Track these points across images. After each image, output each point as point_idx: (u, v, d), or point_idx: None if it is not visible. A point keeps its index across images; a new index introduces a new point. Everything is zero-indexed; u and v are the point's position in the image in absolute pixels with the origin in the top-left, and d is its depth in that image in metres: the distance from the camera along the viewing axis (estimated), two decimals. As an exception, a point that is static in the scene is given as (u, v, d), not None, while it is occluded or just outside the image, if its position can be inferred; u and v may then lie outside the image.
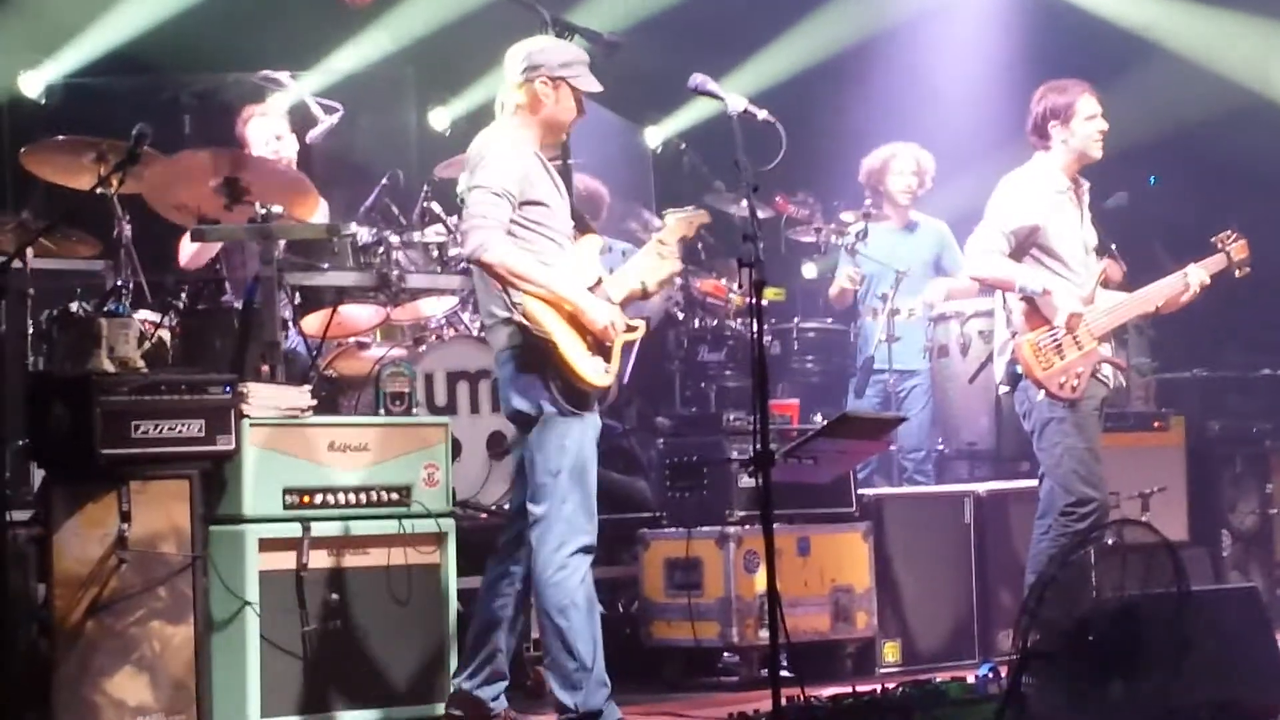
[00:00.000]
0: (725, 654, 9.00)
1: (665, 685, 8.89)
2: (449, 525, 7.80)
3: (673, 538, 8.97)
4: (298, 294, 8.53)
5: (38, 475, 7.81)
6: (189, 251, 9.05)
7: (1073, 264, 8.46)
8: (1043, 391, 8.29)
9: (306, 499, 7.50)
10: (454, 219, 9.32)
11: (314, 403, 7.74)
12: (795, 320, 10.51)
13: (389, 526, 7.62)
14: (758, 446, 6.77)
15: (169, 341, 8.09)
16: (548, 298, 7.06)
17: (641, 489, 9.74)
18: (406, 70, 11.94)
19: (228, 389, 7.33)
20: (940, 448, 10.84)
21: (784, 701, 6.88)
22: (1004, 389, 8.64)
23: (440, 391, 8.89)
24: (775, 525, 6.93)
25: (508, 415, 7.28)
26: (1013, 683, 6.91)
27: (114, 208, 8.25)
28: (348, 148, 10.42)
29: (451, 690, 7.47)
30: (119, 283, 8.10)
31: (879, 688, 7.57)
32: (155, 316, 8.16)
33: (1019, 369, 8.37)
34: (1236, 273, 8.87)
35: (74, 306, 8.03)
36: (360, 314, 8.86)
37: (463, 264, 9.05)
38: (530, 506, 7.16)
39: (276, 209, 8.19)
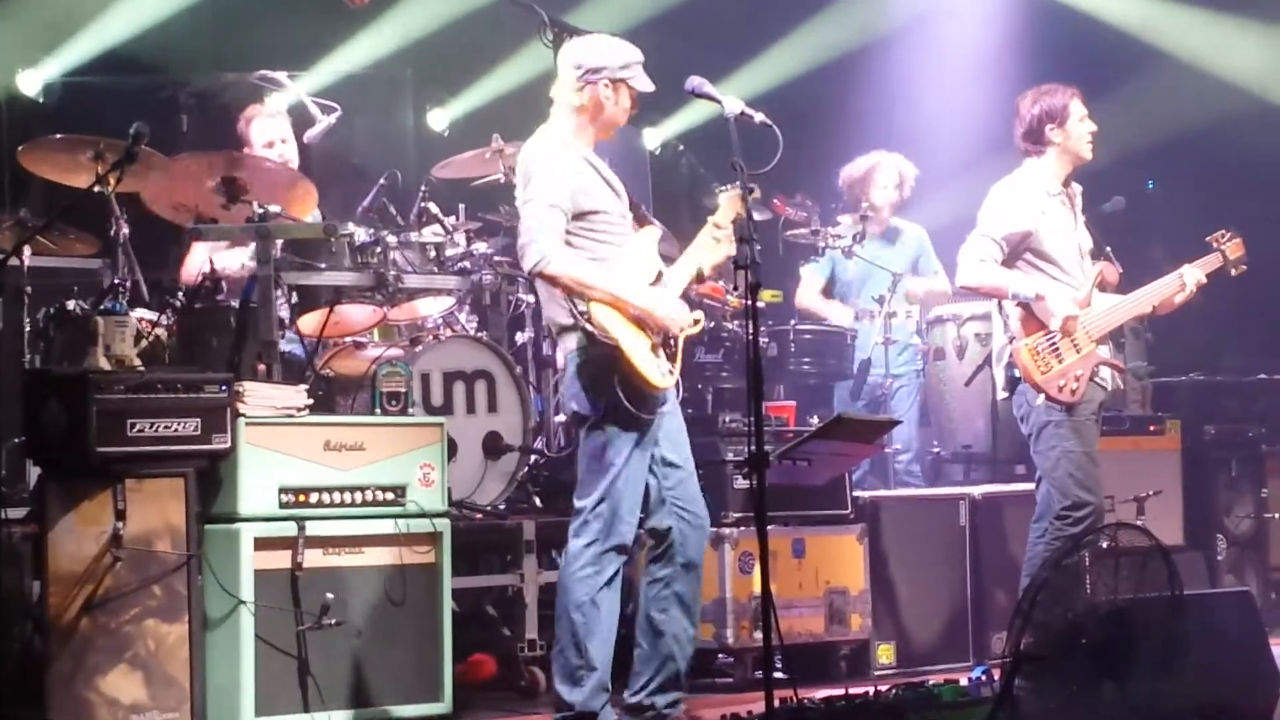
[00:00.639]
0: (720, 655, 9.00)
1: (659, 686, 8.87)
2: (444, 525, 7.80)
3: (668, 539, 8.97)
4: (295, 293, 8.53)
5: (33, 473, 7.81)
6: (194, 265, 9.05)
7: (1067, 267, 8.47)
8: (1042, 395, 8.30)
9: (302, 498, 7.50)
10: (451, 219, 9.34)
11: (310, 402, 7.74)
12: (792, 322, 10.50)
13: (384, 526, 7.63)
14: (753, 448, 6.78)
15: (165, 340, 8.08)
16: (613, 303, 7.12)
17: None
18: (404, 71, 11.95)
19: (224, 388, 7.33)
20: (936, 449, 10.85)
21: (777, 703, 6.89)
22: (1003, 394, 8.65)
23: (436, 391, 8.88)
24: (770, 527, 6.97)
25: (568, 416, 7.31)
26: (1006, 685, 6.92)
27: (111, 206, 8.25)
28: (345, 148, 10.44)
29: (623, 704, 7.46)
30: (116, 281, 8.09)
31: (872, 690, 7.59)
32: (152, 315, 8.15)
33: (1017, 373, 8.38)
34: (1232, 271, 8.88)
35: (71, 304, 8.04)
36: (357, 314, 8.86)
37: (459, 264, 9.07)
38: (575, 499, 7.26)
39: (274, 208, 8.20)
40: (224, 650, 7.31)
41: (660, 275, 7.41)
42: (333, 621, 7.41)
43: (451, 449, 8.22)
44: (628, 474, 7.23)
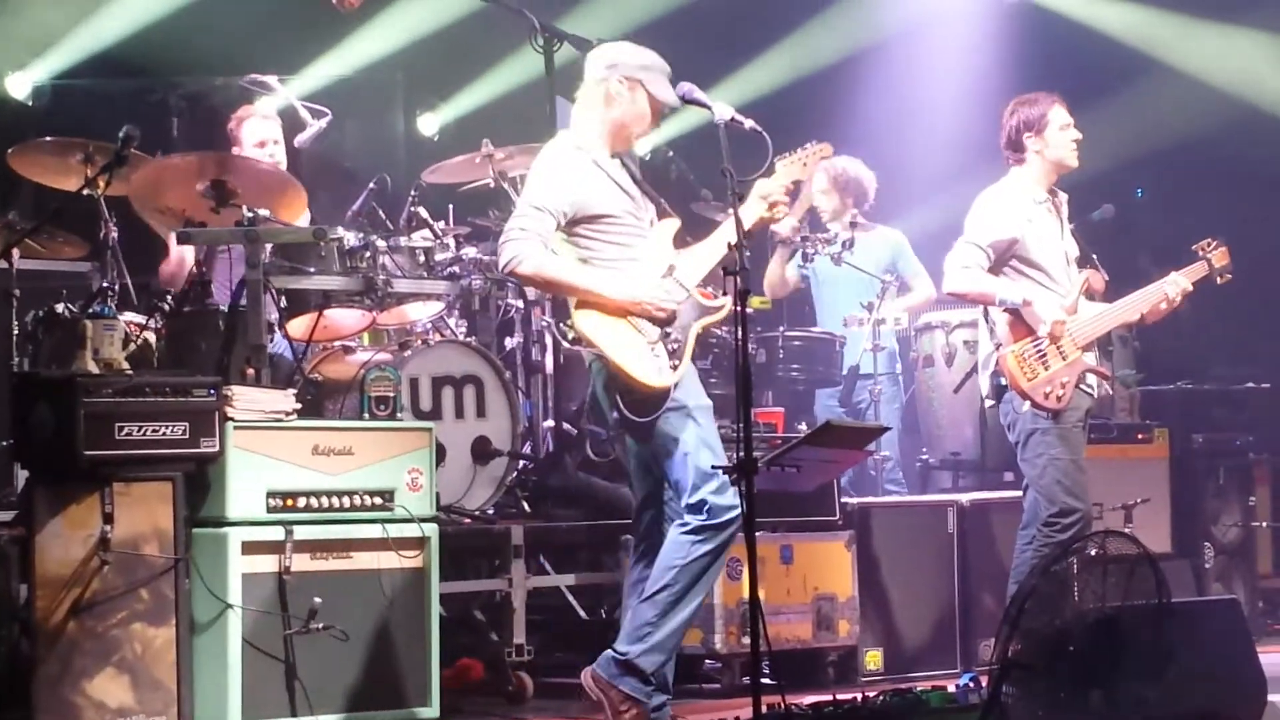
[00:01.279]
0: (707, 661, 8.98)
1: (647, 692, 8.88)
2: (432, 530, 7.79)
3: (656, 545, 8.97)
4: (283, 297, 8.52)
5: (21, 476, 7.80)
6: (170, 266, 9.05)
7: (1054, 274, 8.49)
8: (1028, 402, 8.31)
9: (290, 502, 7.49)
10: (441, 224, 9.34)
11: (299, 406, 7.73)
12: (781, 329, 10.51)
13: (372, 530, 7.61)
14: (741, 454, 6.78)
15: (154, 343, 8.08)
16: (594, 302, 7.10)
17: (625, 495, 9.71)
18: (395, 75, 11.96)
19: (212, 391, 7.32)
20: (924, 456, 10.85)
21: (765, 709, 6.89)
22: (989, 402, 8.66)
23: (425, 396, 8.88)
24: (758, 533, 6.96)
25: (610, 426, 7.55)
26: (993, 692, 6.92)
27: (101, 209, 8.25)
28: (335, 152, 10.44)
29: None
30: (105, 284, 8.10)
31: (860, 696, 7.57)
32: (140, 318, 8.15)
33: (1003, 381, 8.39)
34: (1218, 280, 8.89)
35: (59, 307, 8.04)
36: (346, 318, 8.85)
37: (448, 269, 9.07)
38: (680, 502, 7.27)
39: (263, 212, 8.19)
40: (211, 654, 7.29)
41: (672, 268, 7.38)
42: (320, 626, 7.39)
43: (440, 454, 8.22)
44: (697, 449, 7.23)
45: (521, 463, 9.35)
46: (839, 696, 7.54)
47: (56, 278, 9.12)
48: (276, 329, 8.48)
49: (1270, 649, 9.13)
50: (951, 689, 7.75)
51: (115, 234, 8.30)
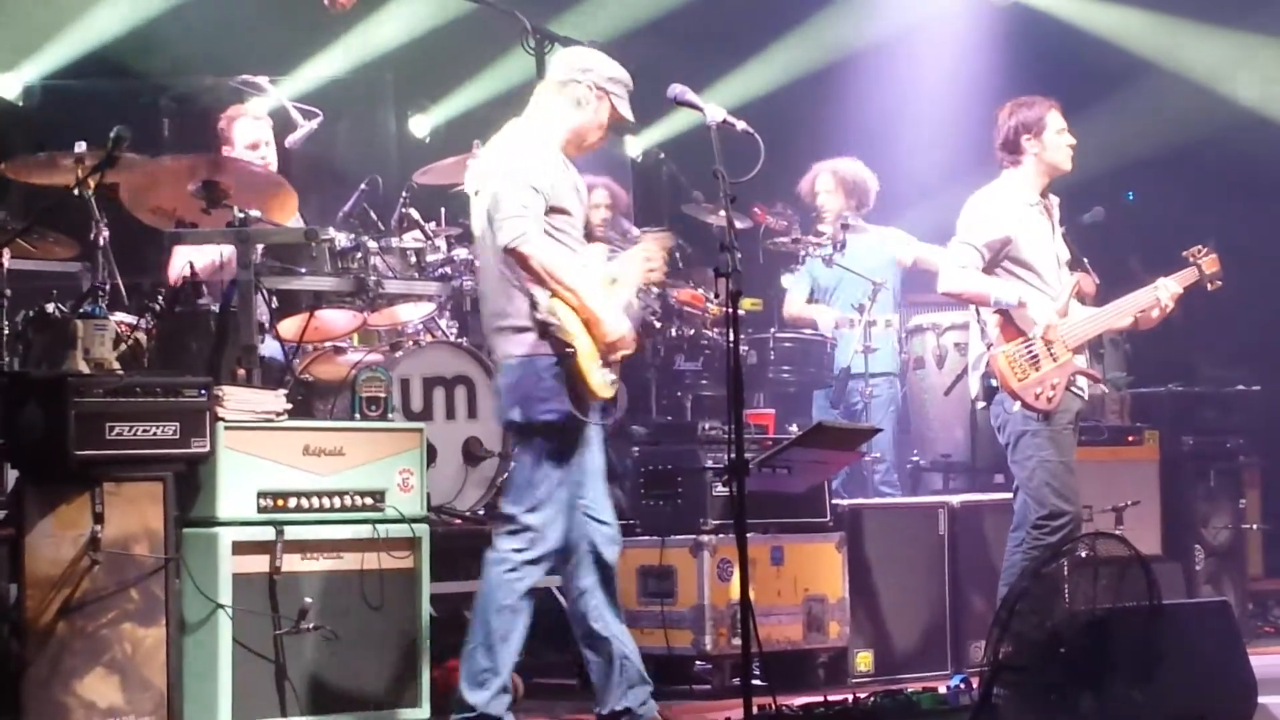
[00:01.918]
0: (698, 662, 9.00)
1: (637, 693, 8.88)
2: (423, 530, 7.79)
3: (647, 545, 8.98)
4: (275, 298, 8.52)
5: (11, 476, 7.79)
6: (178, 267, 9.03)
7: (1046, 276, 8.49)
8: (1018, 403, 8.32)
9: (280, 502, 7.49)
10: (432, 225, 9.34)
11: (289, 406, 7.72)
12: (772, 330, 10.52)
13: (363, 531, 7.61)
14: (733, 455, 6.78)
15: (145, 344, 8.07)
16: (574, 303, 7.06)
17: (616, 496, 9.72)
18: (386, 76, 11.95)
19: (203, 392, 7.31)
20: (915, 458, 10.86)
21: (756, 710, 6.90)
22: (980, 403, 8.66)
23: (416, 397, 8.88)
24: (749, 534, 6.95)
25: (504, 422, 7.29)
26: (984, 694, 6.93)
27: (91, 209, 8.23)
28: (327, 153, 10.43)
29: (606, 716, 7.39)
30: (96, 284, 8.08)
31: (851, 697, 7.58)
32: (131, 319, 8.13)
33: (994, 382, 8.40)
34: (1208, 286, 8.90)
35: (50, 308, 8.02)
36: (337, 319, 8.85)
37: (439, 270, 9.06)
38: (503, 504, 7.19)
39: (255, 213, 8.18)
40: (201, 654, 7.28)
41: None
42: (310, 626, 7.39)
43: (431, 454, 8.21)
44: (563, 482, 7.17)
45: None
46: (830, 698, 7.56)
47: (47, 278, 9.09)
48: (267, 329, 8.47)
49: (1260, 651, 9.15)
50: (942, 690, 7.77)
51: (106, 234, 8.28)
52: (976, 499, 9.93)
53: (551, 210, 7.11)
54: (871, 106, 12.79)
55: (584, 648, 7.41)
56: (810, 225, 11.09)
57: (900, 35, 12.99)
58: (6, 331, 8.35)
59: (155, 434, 7.18)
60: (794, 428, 9.62)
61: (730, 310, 6.84)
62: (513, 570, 7.12)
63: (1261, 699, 7.48)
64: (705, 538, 8.81)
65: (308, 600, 7.44)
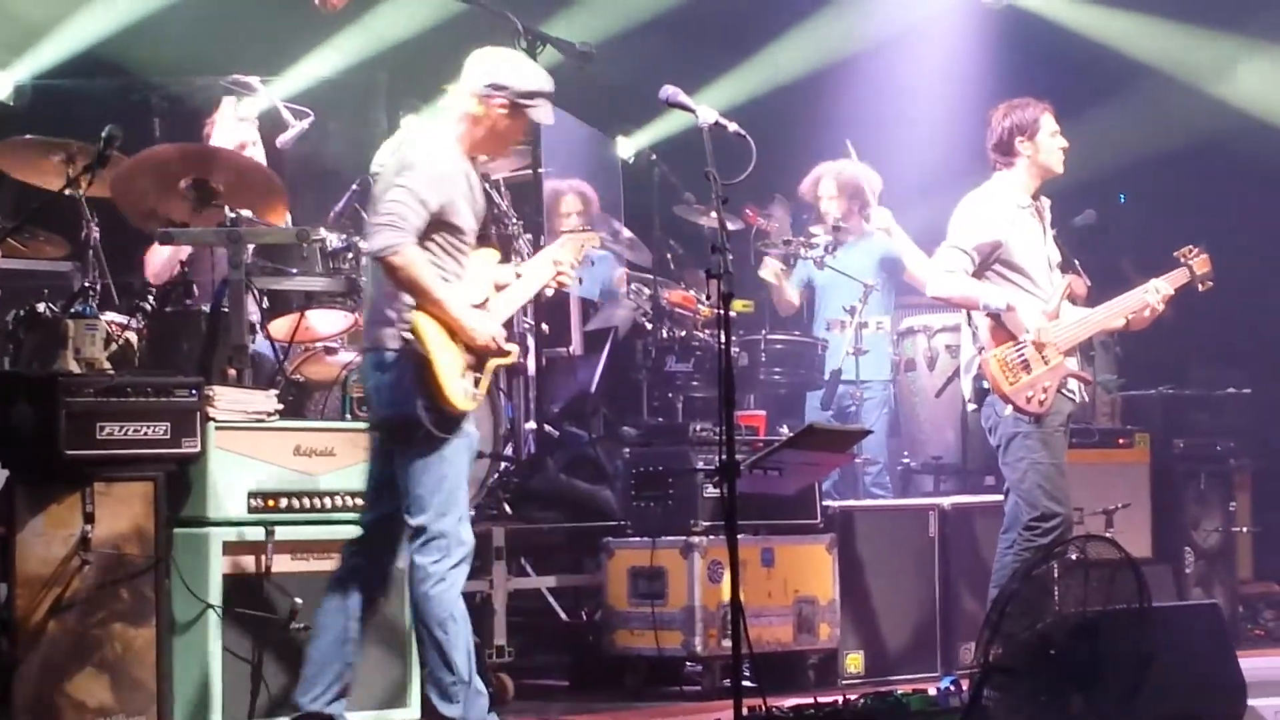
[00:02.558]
0: (688, 663, 9.00)
1: (627, 694, 8.89)
2: (413, 531, 7.78)
3: (637, 547, 8.98)
4: (266, 298, 8.51)
5: (1, 475, 7.78)
6: (157, 262, 9.02)
7: (1037, 279, 8.50)
8: (1010, 406, 8.32)
9: (271, 502, 7.49)
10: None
11: (280, 407, 7.73)
12: (763, 332, 10.52)
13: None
14: (723, 457, 6.78)
15: (135, 343, 8.07)
16: (437, 314, 6.97)
17: (606, 498, 9.73)
18: (378, 76, 11.93)
19: (194, 392, 7.32)
20: (906, 460, 10.86)
21: (746, 711, 6.89)
22: (971, 406, 8.66)
23: (407, 398, 8.86)
24: (740, 536, 6.95)
25: (378, 420, 7.14)
26: (974, 696, 6.94)
27: (82, 209, 8.23)
28: (318, 153, 10.40)
29: (302, 713, 7.15)
30: (86, 284, 8.07)
31: (841, 699, 7.58)
32: (122, 318, 8.13)
33: (986, 384, 8.39)
34: (1199, 287, 8.90)
35: (41, 307, 8.00)
36: (328, 319, 8.84)
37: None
38: (409, 519, 7.03)
39: (246, 213, 8.17)
40: (191, 654, 7.29)
41: (486, 301, 7.24)
42: (301, 626, 7.38)
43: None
44: (458, 486, 7.09)
45: (503, 464, 9.34)
46: (820, 699, 7.56)
47: (38, 277, 9.09)
48: (258, 330, 8.47)
49: (1250, 654, 9.16)
50: (932, 692, 7.76)
51: (97, 234, 8.28)
52: (967, 501, 9.93)
53: (445, 227, 7.03)
54: (865, 109, 12.78)
55: (327, 635, 7.14)
56: (802, 227, 11.08)
57: (894, 38, 12.98)
58: (-3, 331, 8.35)
59: (146, 434, 7.18)
60: (784, 429, 9.62)
61: (721, 312, 6.83)
62: (440, 582, 7.01)
63: (1251, 701, 7.50)
64: (696, 539, 8.81)
65: (298, 601, 7.44)
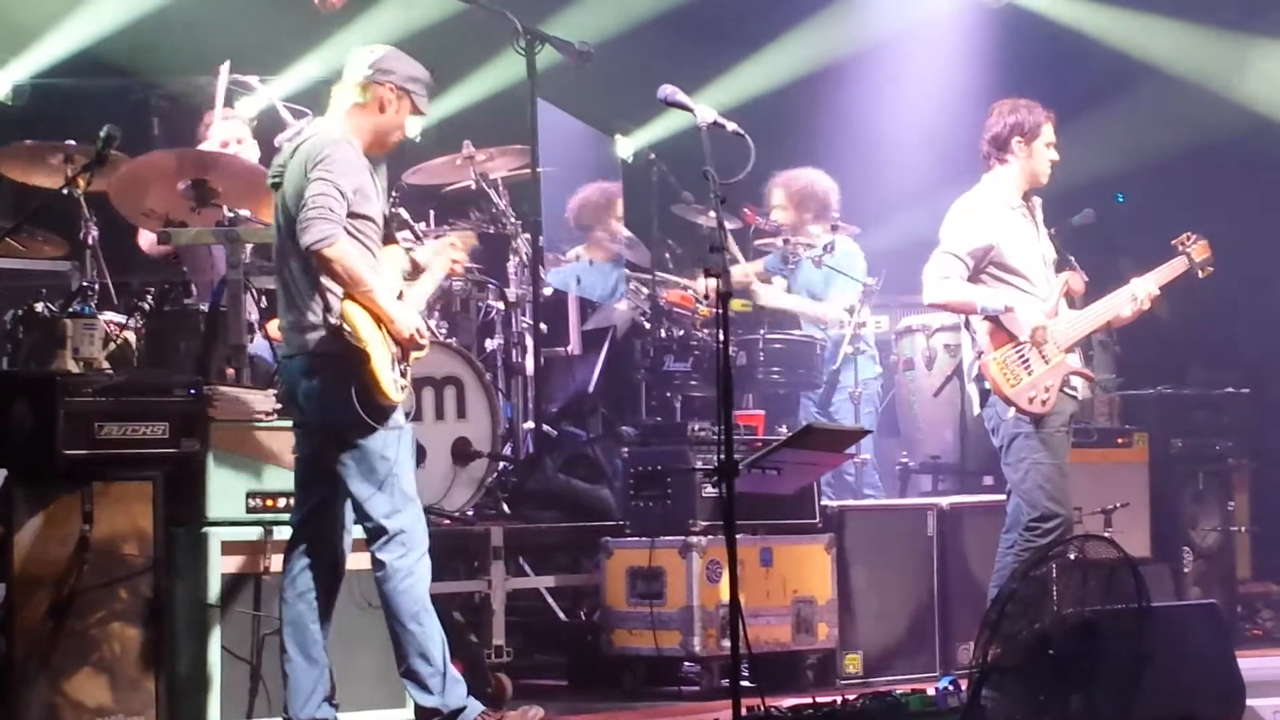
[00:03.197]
0: (686, 663, 8.99)
1: (626, 694, 8.88)
2: (412, 531, 7.77)
3: (636, 546, 8.97)
4: (264, 298, 8.51)
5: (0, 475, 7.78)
6: (150, 236, 9.02)
7: (1033, 278, 8.49)
8: (1012, 409, 8.31)
9: (270, 502, 7.49)
10: (422, 225, 9.33)
11: (279, 406, 7.72)
12: (761, 331, 10.50)
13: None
14: (722, 457, 6.78)
15: (134, 343, 8.07)
16: (368, 305, 6.99)
17: (605, 497, 9.74)
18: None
19: (192, 391, 7.32)
20: (904, 460, 10.84)
21: (744, 711, 6.89)
22: (977, 410, 8.64)
23: (405, 397, 8.87)
24: (738, 535, 6.96)
25: (317, 423, 7.10)
26: (972, 696, 6.94)
27: (81, 209, 8.22)
28: (316, 153, 10.39)
29: None
30: (85, 283, 8.07)
31: (839, 699, 7.58)
32: (120, 318, 8.14)
33: (988, 385, 8.38)
34: (1200, 274, 8.88)
35: (39, 307, 8.01)
36: (326, 318, 8.83)
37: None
38: (365, 522, 7.06)
39: (244, 212, 8.18)
40: (190, 654, 7.29)
41: (401, 294, 7.26)
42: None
43: (420, 455, 8.21)
44: (406, 480, 7.10)
45: (501, 464, 9.34)
46: (818, 699, 7.56)
47: (36, 277, 9.09)
48: (256, 329, 8.47)
49: (1248, 654, 9.13)
50: (931, 692, 7.77)
51: (95, 233, 8.27)
52: (966, 501, 9.93)
53: (354, 215, 7.05)
54: (864, 108, 12.79)
55: (303, 642, 7.15)
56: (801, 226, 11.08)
57: (894, 37, 12.98)
58: (-5, 330, 8.35)
59: (145, 434, 7.18)
60: (783, 429, 9.61)
61: (720, 311, 6.83)
62: (408, 577, 7.04)
63: (1250, 701, 7.50)
64: (694, 539, 8.80)
65: (297, 600, 7.43)
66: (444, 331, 9.37)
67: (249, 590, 7.40)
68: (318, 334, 7.02)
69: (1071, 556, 7.20)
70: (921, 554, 9.62)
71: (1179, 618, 7.68)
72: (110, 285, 8.31)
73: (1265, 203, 12.57)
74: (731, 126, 7.25)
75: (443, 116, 11.72)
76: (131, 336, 8.08)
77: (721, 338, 6.79)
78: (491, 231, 9.83)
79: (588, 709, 8.53)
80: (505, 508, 9.33)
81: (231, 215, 8.10)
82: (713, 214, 7.11)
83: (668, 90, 7.33)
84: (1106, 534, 9.27)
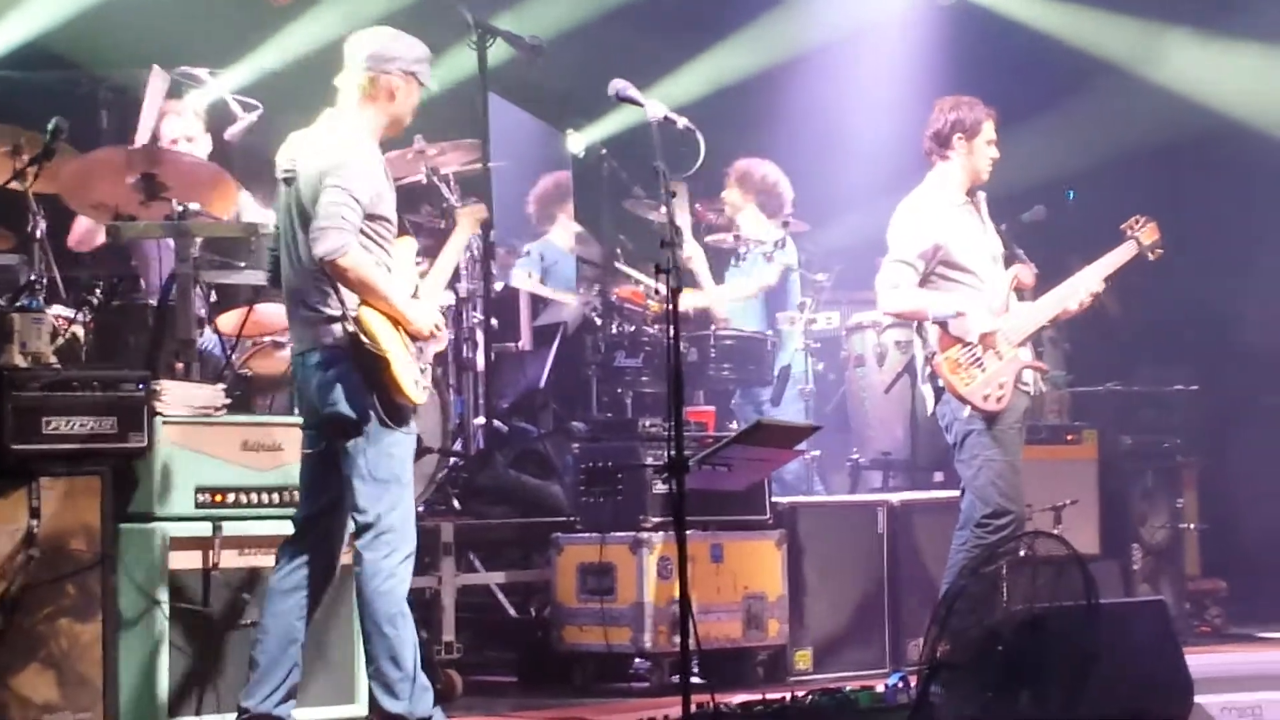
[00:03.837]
0: (637, 659, 8.99)
1: (576, 690, 8.89)
2: (362, 527, 7.75)
3: (586, 542, 8.97)
4: (213, 292, 8.48)
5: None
6: (80, 229, 8.97)
7: (981, 274, 8.52)
8: (968, 407, 8.33)
9: (219, 498, 7.46)
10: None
11: (228, 401, 7.70)
12: (712, 328, 10.51)
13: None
14: (673, 453, 6.78)
15: (82, 337, 8.03)
16: (382, 308, 6.97)
17: (555, 493, 9.73)
18: (328, 70, 11.89)
19: (141, 386, 7.28)
20: (855, 456, 10.85)
21: (694, 708, 6.89)
22: (931, 409, 8.64)
23: (355, 392, 8.83)
24: (689, 532, 6.95)
25: (324, 418, 7.04)
26: (921, 692, 6.94)
27: (28, 202, 8.17)
28: (267, 146, 10.35)
29: (249, 714, 7.09)
30: (33, 277, 8.02)
31: (789, 695, 7.58)
32: (69, 312, 8.09)
33: (942, 384, 8.40)
34: (1149, 256, 8.90)
35: (-14, 301, 7.96)
36: (276, 312, 8.75)
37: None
38: (356, 515, 7.01)
39: (194, 206, 8.14)
40: (138, 650, 7.25)
41: (417, 289, 7.28)
42: (248, 622, 7.36)
43: (370, 450, 8.16)
44: (405, 481, 7.08)
45: (452, 460, 9.32)
46: (768, 696, 7.56)
47: (-17, 270, 9.03)
48: (206, 324, 8.43)
49: (1197, 650, 9.19)
50: (880, 689, 7.77)
51: (43, 226, 8.22)
52: (916, 497, 9.95)
53: (373, 218, 7.03)
54: (817, 107, 12.80)
55: (275, 634, 7.10)
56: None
57: (846, 35, 12.99)
58: (-58, 324, 8.28)
59: (92, 429, 7.14)
60: (734, 425, 9.62)
61: (671, 307, 6.83)
62: (390, 578, 6.99)
63: (1198, 698, 7.51)
64: (645, 535, 8.80)
65: (245, 596, 7.41)
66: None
67: (197, 586, 7.37)
68: (329, 329, 6.99)
69: (1021, 553, 7.22)
70: (872, 550, 9.64)
71: (1127, 614, 7.70)
72: (59, 279, 8.27)
73: (1217, 201, 12.63)
74: (682, 122, 7.26)
75: (394, 110, 11.68)
76: (80, 331, 8.03)
77: (673, 334, 6.79)
78: (442, 227, 9.79)
79: (538, 705, 8.53)
80: (456, 503, 9.31)
81: (181, 209, 8.05)
82: (663, 210, 7.11)
83: (619, 85, 7.33)
84: (1056, 531, 9.30)
